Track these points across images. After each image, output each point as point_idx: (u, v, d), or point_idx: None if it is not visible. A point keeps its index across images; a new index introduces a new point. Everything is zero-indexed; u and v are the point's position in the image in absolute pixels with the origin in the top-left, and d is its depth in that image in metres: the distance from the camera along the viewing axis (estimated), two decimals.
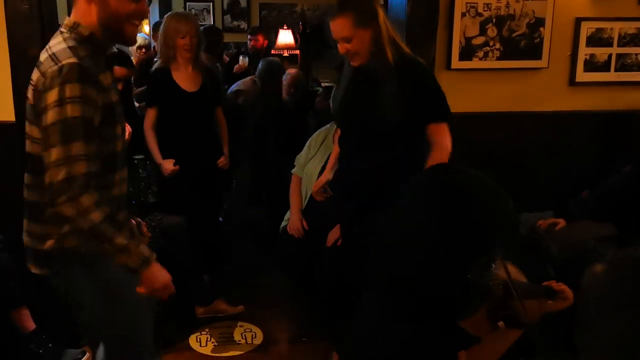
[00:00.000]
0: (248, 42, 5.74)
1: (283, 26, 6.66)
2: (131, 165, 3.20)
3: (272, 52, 6.15)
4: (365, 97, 2.42)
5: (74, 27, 1.71)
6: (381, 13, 2.38)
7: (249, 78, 4.68)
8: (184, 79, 3.34)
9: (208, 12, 7.30)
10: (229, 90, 4.53)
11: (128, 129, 2.82)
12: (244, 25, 7.34)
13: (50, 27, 2.85)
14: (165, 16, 3.45)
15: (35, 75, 1.69)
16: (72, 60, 1.61)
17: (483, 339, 1.42)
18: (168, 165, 3.26)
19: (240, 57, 5.33)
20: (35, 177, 1.73)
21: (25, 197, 1.81)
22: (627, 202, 2.93)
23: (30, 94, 1.71)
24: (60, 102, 1.57)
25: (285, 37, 6.49)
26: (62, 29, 1.73)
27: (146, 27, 7.23)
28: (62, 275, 1.85)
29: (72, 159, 1.58)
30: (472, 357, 1.42)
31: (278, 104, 4.71)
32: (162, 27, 3.36)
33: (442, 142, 2.37)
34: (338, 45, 2.41)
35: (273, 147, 4.63)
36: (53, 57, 1.64)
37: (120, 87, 2.90)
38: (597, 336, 0.77)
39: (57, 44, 1.68)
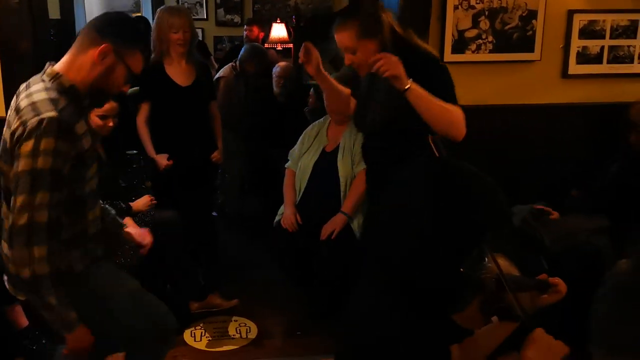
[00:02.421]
0: (244, 33, 5.73)
1: (276, 20, 6.63)
2: (125, 160, 3.20)
3: (266, 45, 6.12)
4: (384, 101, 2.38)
5: (55, 77, 1.78)
6: (387, 20, 2.31)
7: (228, 65, 4.69)
8: (178, 73, 3.33)
9: (201, 5, 7.26)
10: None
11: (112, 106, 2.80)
12: (237, 19, 7.30)
13: (40, 21, 2.84)
14: (158, 10, 3.42)
15: (14, 119, 1.74)
16: (52, 114, 1.68)
17: (476, 333, 1.43)
18: (162, 159, 3.25)
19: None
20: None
21: (5, 226, 1.83)
22: (617, 198, 2.95)
23: (7, 136, 1.76)
24: (34, 153, 1.66)
25: (278, 30, 6.46)
26: (43, 77, 1.80)
27: None
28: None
29: (36, 207, 1.68)
30: (465, 351, 1.42)
31: (269, 97, 4.70)
32: (155, 21, 3.34)
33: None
34: (345, 56, 2.35)
35: (266, 141, 4.62)
36: (34, 107, 1.70)
37: (110, 123, 2.87)
38: (616, 325, 0.78)
39: (38, 92, 1.74)
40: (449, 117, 2.25)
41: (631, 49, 3.31)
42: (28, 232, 1.69)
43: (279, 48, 6.36)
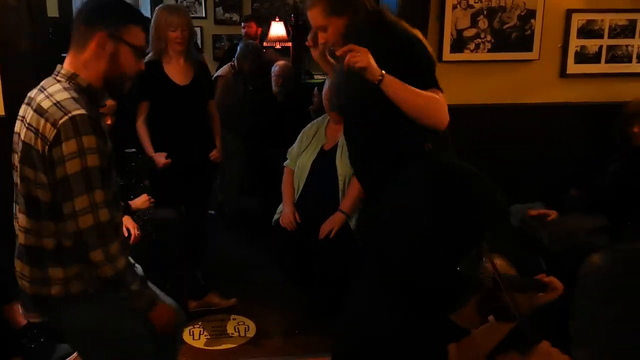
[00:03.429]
0: (242, 29, 5.71)
1: (275, 18, 6.62)
2: (123, 159, 3.20)
3: (264, 44, 6.12)
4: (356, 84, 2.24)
5: (72, 78, 1.75)
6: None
7: (228, 64, 4.69)
8: (176, 72, 3.32)
9: (200, 4, 7.25)
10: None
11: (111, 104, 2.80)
12: (236, 17, 7.29)
13: (38, 19, 2.83)
14: (157, 8, 3.42)
15: (34, 119, 1.68)
16: (82, 111, 1.65)
17: (473, 332, 1.43)
18: (160, 158, 3.25)
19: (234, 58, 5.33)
20: (36, 222, 1.74)
21: (21, 241, 1.80)
22: (616, 197, 2.95)
23: (31, 139, 1.69)
24: (81, 153, 1.63)
25: (277, 29, 6.45)
26: (58, 77, 1.76)
27: None
28: (63, 318, 1.84)
29: (97, 207, 1.67)
30: (462, 350, 1.42)
31: (268, 96, 4.69)
32: (153, 19, 3.34)
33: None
34: (319, 38, 2.30)
35: (265, 141, 4.63)
36: (59, 106, 1.65)
37: (108, 121, 2.87)
38: (592, 322, 0.78)
39: (58, 92, 1.70)
40: (428, 106, 2.13)
41: (629, 48, 3.31)
42: (98, 232, 1.67)
43: (278, 47, 6.35)
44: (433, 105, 2.14)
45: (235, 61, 4.58)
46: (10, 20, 2.71)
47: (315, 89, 4.55)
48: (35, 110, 1.70)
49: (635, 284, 0.78)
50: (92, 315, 1.80)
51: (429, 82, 2.18)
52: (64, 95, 1.68)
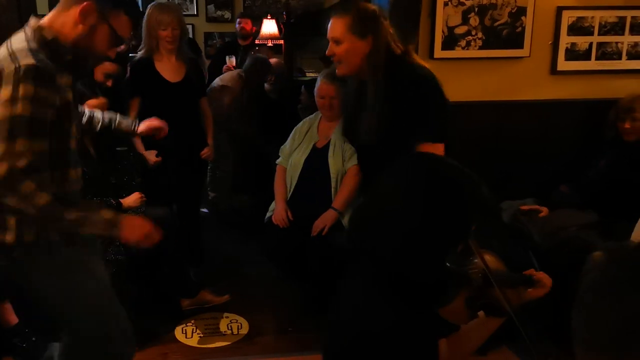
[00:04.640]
0: (237, 25, 5.69)
1: (267, 16, 6.60)
2: (115, 156, 3.19)
3: (256, 42, 6.09)
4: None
5: (38, 29, 1.74)
6: (384, 31, 2.26)
7: (235, 73, 4.64)
8: (167, 69, 3.32)
9: (191, 1, 7.22)
10: (212, 84, 4.50)
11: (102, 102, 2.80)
12: (228, 15, 7.26)
13: (28, 18, 2.82)
14: (149, 6, 3.41)
15: None
16: (31, 61, 1.63)
17: (462, 328, 1.44)
18: (150, 156, 3.25)
19: (227, 58, 5.30)
20: None
21: None
22: (606, 192, 2.97)
23: None
24: (12, 100, 1.60)
25: (269, 26, 6.43)
26: (26, 29, 1.75)
27: None
28: (24, 268, 1.82)
29: (15, 155, 1.61)
30: (452, 346, 1.43)
31: (261, 94, 4.68)
32: (145, 17, 3.33)
33: None
34: (329, 46, 2.32)
35: (257, 137, 4.62)
36: (12, 56, 1.66)
37: (109, 83, 2.87)
38: (594, 319, 0.79)
39: (18, 42, 1.70)
40: None
41: (619, 45, 3.33)
42: (10, 178, 1.61)
43: (270, 44, 6.33)
44: None
45: (244, 73, 4.55)
46: None
47: (303, 87, 4.55)
48: None
49: (631, 281, 0.79)
50: (49, 270, 1.77)
51: (434, 135, 2.25)
52: (22, 45, 1.68)
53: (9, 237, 1.75)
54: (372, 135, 2.33)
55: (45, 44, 1.72)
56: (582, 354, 0.80)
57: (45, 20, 1.77)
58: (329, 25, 2.31)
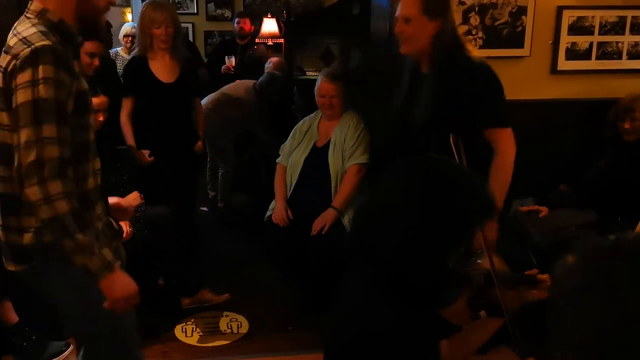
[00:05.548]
0: (235, 25, 5.68)
1: (267, 14, 6.59)
2: (115, 156, 3.19)
3: (257, 40, 6.09)
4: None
5: (42, 13, 1.66)
6: (452, 16, 2.30)
7: (245, 83, 4.63)
8: (161, 68, 3.29)
9: (191, 0, 7.21)
10: (224, 93, 4.51)
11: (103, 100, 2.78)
12: (228, 13, 7.25)
13: None
14: (143, 4, 3.40)
15: (4, 60, 1.63)
16: (46, 42, 1.56)
17: (464, 328, 1.44)
18: (142, 156, 3.25)
19: (227, 58, 5.29)
20: (7, 167, 1.63)
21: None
22: (605, 191, 2.97)
23: None
24: (33, 82, 1.52)
25: (269, 25, 6.42)
26: (28, 15, 1.68)
27: (129, 16, 7.14)
28: (39, 271, 1.75)
29: (43, 141, 1.51)
30: (453, 346, 1.43)
31: (276, 104, 4.69)
32: (139, 15, 3.32)
33: (504, 148, 2.34)
34: (397, 23, 2.30)
35: (257, 137, 4.62)
36: (24, 40, 1.57)
37: (96, 62, 2.83)
38: (569, 326, 0.78)
39: (26, 28, 1.63)
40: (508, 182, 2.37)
41: (619, 45, 3.33)
42: (37, 167, 1.49)
43: (270, 43, 6.33)
44: (510, 172, 2.38)
45: (259, 87, 4.54)
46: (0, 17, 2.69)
47: (295, 88, 4.57)
48: (4, 51, 1.63)
49: (608, 282, 0.78)
50: (65, 273, 1.66)
51: (502, 120, 2.32)
52: (31, 30, 1.61)
53: (27, 239, 1.67)
54: (427, 117, 2.32)
55: (53, 27, 1.65)
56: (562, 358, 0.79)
57: (40, 3, 1.68)
58: (400, 3, 2.30)
